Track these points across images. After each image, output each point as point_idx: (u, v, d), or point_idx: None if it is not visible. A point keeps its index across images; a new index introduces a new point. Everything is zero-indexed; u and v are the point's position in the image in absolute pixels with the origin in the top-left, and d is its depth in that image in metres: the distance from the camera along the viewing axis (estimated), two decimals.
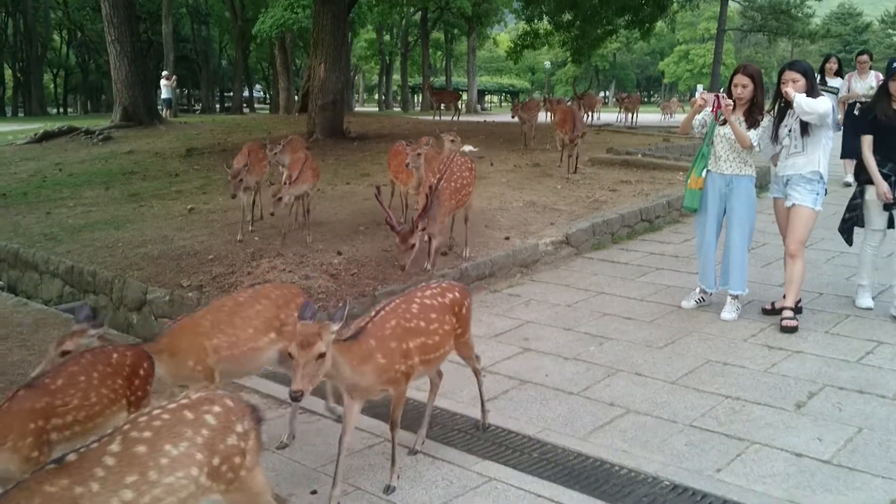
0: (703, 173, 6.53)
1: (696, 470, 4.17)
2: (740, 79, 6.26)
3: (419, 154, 7.71)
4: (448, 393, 5.23)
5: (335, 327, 3.35)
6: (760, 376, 5.36)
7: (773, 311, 6.52)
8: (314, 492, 3.98)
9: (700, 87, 69.72)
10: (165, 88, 31.08)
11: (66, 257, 8.61)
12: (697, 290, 6.94)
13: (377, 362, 3.72)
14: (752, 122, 6.26)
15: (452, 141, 8.94)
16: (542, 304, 7.17)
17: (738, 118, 6.29)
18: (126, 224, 9.79)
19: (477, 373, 4.68)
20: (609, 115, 31.56)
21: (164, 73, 32.03)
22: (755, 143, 6.28)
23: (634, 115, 28.57)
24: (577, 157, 12.52)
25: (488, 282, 7.76)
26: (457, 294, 4.31)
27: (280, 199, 7.67)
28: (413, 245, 6.14)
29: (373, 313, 3.89)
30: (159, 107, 27.26)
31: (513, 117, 17.13)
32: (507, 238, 8.56)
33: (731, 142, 6.36)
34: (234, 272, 7.27)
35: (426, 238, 6.74)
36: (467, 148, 6.26)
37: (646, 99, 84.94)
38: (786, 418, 4.73)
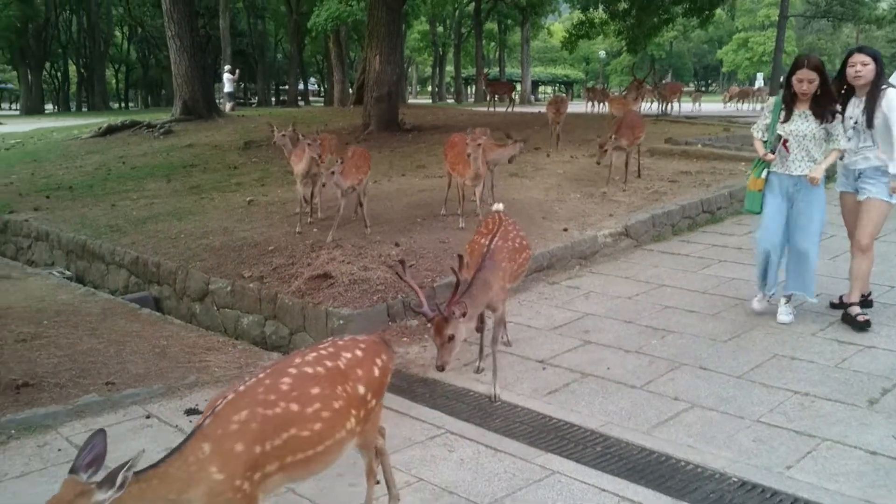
0: (764, 174, 6.03)
1: (764, 467, 4.07)
2: (806, 73, 5.71)
3: (478, 144, 7.66)
4: (510, 385, 5.21)
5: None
6: (830, 371, 5.22)
7: (841, 305, 6.31)
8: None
9: (760, 76, 68.31)
10: (229, 82, 31.67)
11: (131, 248, 8.81)
12: (760, 295, 6.43)
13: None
14: (823, 115, 5.81)
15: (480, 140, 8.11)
16: (601, 296, 7.08)
17: (821, 167, 5.81)
18: (188, 216, 9.97)
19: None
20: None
21: (227, 67, 32.64)
22: (847, 143, 5.88)
23: (672, 104, 26.37)
24: (630, 164, 10.98)
25: (546, 273, 7.71)
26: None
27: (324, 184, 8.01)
28: (451, 337, 4.36)
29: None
30: (219, 100, 27.80)
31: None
32: (566, 229, 8.48)
33: (801, 139, 5.86)
34: (293, 263, 7.35)
35: (475, 322, 5.04)
36: (498, 206, 5.71)
37: (703, 88, 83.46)
38: (858, 415, 4.59)
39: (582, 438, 4.48)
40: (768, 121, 6.03)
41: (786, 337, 5.87)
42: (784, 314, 6.22)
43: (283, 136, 9.39)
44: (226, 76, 31.97)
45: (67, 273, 9.47)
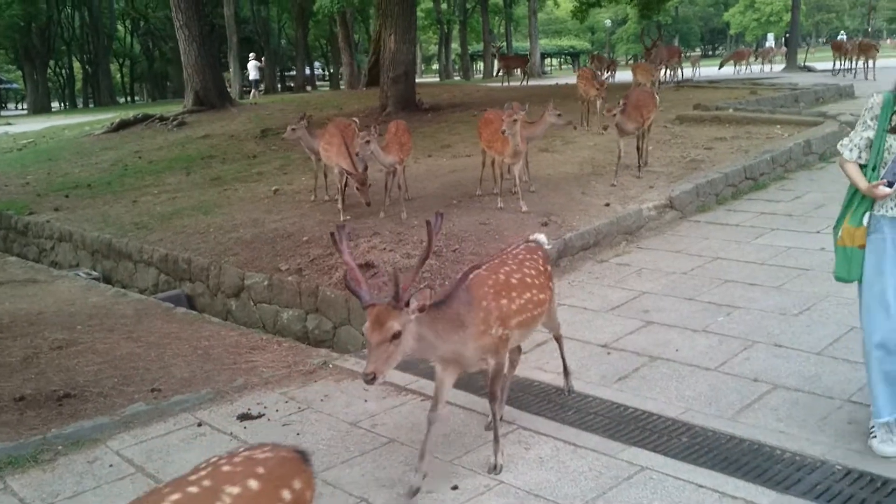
0: (866, 220, 3.81)
1: (868, 453, 3.78)
2: None
3: (515, 120, 7.32)
4: (576, 372, 4.93)
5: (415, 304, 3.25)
6: None
7: None
8: (455, 487, 3.73)
9: (771, 37, 67.28)
10: (254, 69, 31.72)
11: (160, 245, 8.57)
12: (885, 427, 3.79)
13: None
14: None
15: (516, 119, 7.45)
16: (654, 272, 6.78)
17: None
18: (214, 209, 9.71)
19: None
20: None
21: (253, 54, 32.95)
22: None
23: (673, 70, 23.46)
24: (646, 151, 9.76)
25: (593, 252, 7.40)
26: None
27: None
28: (396, 335, 3.21)
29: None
30: (246, 88, 27.99)
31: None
32: (607, 204, 8.16)
33: None
34: (332, 253, 7.06)
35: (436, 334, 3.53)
36: (539, 237, 4.43)
37: (710, 52, 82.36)
38: None
39: (664, 429, 4.20)
40: (871, 133, 3.80)
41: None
42: (887, 443, 3.78)
43: (294, 129, 8.98)
44: (251, 63, 32.12)
45: (94, 274, 9.24)
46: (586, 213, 7.90)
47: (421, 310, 3.30)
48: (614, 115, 8.81)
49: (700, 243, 7.46)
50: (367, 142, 7.52)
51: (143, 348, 5.95)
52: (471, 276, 3.76)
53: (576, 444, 4.05)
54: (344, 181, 8.21)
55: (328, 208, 8.67)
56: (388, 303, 3.24)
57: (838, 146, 3.97)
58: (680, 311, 5.83)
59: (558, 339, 4.66)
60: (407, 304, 3.25)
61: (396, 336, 3.20)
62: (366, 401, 4.83)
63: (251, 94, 31.06)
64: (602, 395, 4.65)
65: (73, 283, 8.39)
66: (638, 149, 9.45)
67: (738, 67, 30.00)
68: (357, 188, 7.77)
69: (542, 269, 4.15)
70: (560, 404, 4.58)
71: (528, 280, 3.96)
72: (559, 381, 4.85)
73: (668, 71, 21.99)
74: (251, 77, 32.20)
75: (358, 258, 6.67)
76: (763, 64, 32.41)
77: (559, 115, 8.31)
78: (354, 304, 6.21)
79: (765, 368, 4.79)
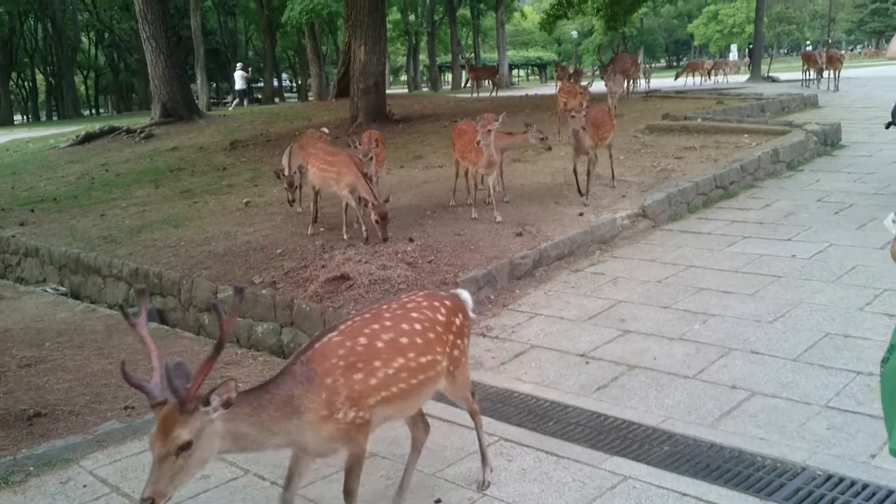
0: None
1: (847, 457, 3.82)
2: None
3: (489, 131, 7.33)
4: (555, 382, 4.92)
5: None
6: None
7: None
8: (438, 501, 3.69)
9: (734, 48, 68.30)
10: (241, 79, 31.82)
11: (129, 259, 8.43)
12: None
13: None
14: None
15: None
16: (630, 281, 6.80)
17: None
18: (184, 222, 9.59)
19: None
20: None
21: (240, 64, 33.36)
22: None
23: (633, 81, 22.47)
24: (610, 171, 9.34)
25: (568, 261, 7.42)
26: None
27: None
28: (184, 447, 2.56)
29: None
30: (234, 98, 28.54)
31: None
32: (581, 214, 8.19)
33: None
34: (306, 266, 7.01)
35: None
36: (462, 293, 3.70)
37: (674, 63, 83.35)
38: None
39: (645, 437, 4.20)
40: None
41: (833, 314, 5.62)
42: None
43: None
44: (238, 73, 32.31)
45: (62, 289, 9.08)
46: (560, 223, 7.91)
47: (226, 405, 2.61)
48: (584, 115, 7.99)
49: (674, 252, 7.50)
50: (371, 158, 7.63)
51: (115, 365, 5.83)
52: (316, 344, 3.01)
53: (558, 455, 4.03)
54: (344, 205, 7.86)
55: (301, 220, 8.60)
56: (175, 404, 2.53)
57: (885, 223, 2.73)
58: (656, 320, 5.85)
59: (473, 414, 3.69)
60: (207, 402, 2.58)
61: (185, 448, 2.53)
62: None
63: (233, 103, 31.50)
64: (582, 404, 4.64)
65: (40, 298, 8.24)
66: (589, 172, 8.67)
67: (691, 79, 30.59)
68: (376, 221, 7.17)
69: (442, 321, 3.34)
70: (541, 415, 4.57)
71: (405, 341, 3.14)
72: (539, 392, 4.85)
73: (629, 81, 22.06)
74: (237, 87, 32.41)
75: (333, 270, 6.63)
76: (716, 76, 32.92)
77: (543, 138, 8.29)
78: (331, 317, 6.15)
79: (742, 375, 4.82)
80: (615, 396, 4.73)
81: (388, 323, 3.17)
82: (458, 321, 3.46)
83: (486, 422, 4.42)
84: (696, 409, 4.46)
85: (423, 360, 3.18)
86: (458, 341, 3.43)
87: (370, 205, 7.20)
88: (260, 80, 51.88)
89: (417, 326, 3.22)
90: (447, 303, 3.46)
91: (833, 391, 4.49)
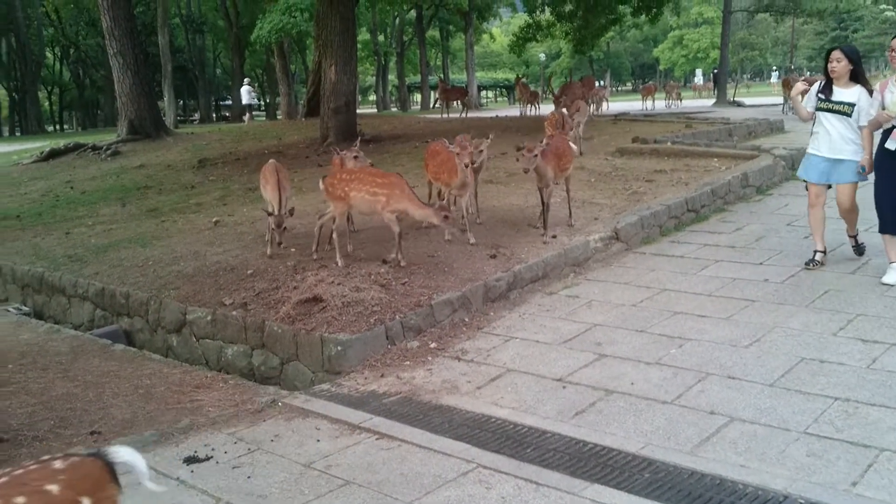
0: None
1: (828, 484, 3.79)
2: None
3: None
4: (532, 407, 4.86)
5: None
6: (864, 373, 4.98)
7: None
8: None
9: (699, 73, 69.37)
10: (247, 94, 32.06)
11: (96, 279, 8.24)
12: None
13: None
14: None
15: (356, 157, 8.14)
16: (604, 304, 6.78)
17: None
18: (152, 241, 9.41)
19: None
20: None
21: (247, 80, 34.20)
22: None
23: (597, 104, 24.33)
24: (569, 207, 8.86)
25: (542, 284, 7.39)
26: None
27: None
28: None
29: None
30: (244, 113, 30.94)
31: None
32: (554, 236, 8.17)
33: None
34: (278, 287, 6.89)
35: None
36: (120, 451, 2.51)
37: (639, 87, 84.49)
38: None
39: (625, 464, 4.15)
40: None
41: (807, 338, 5.63)
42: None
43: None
44: (244, 88, 32.98)
45: (25, 309, 8.83)
46: (534, 245, 7.89)
47: None
48: (535, 155, 7.62)
49: (647, 275, 7.51)
50: (356, 157, 7.61)
51: (81, 388, 5.67)
52: None
53: (538, 483, 3.96)
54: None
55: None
56: None
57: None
58: (632, 344, 5.83)
59: None
60: None
61: None
62: (318, 440, 4.67)
63: (246, 117, 32.44)
64: (560, 430, 4.58)
65: (2, 318, 8.01)
66: (544, 203, 8.23)
67: (646, 103, 31.58)
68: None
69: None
70: (518, 441, 4.49)
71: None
72: (516, 417, 4.78)
73: (592, 105, 22.56)
74: (244, 101, 32.81)
75: (305, 292, 6.52)
76: (668, 100, 33.81)
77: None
78: (303, 339, 6.05)
79: (720, 401, 4.80)
80: (593, 422, 4.68)
81: None
82: (114, 493, 2.37)
83: (464, 448, 4.38)
84: (676, 436, 4.42)
85: None
86: None
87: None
88: (228, 98, 51.75)
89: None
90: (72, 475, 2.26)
91: (811, 417, 4.48)
